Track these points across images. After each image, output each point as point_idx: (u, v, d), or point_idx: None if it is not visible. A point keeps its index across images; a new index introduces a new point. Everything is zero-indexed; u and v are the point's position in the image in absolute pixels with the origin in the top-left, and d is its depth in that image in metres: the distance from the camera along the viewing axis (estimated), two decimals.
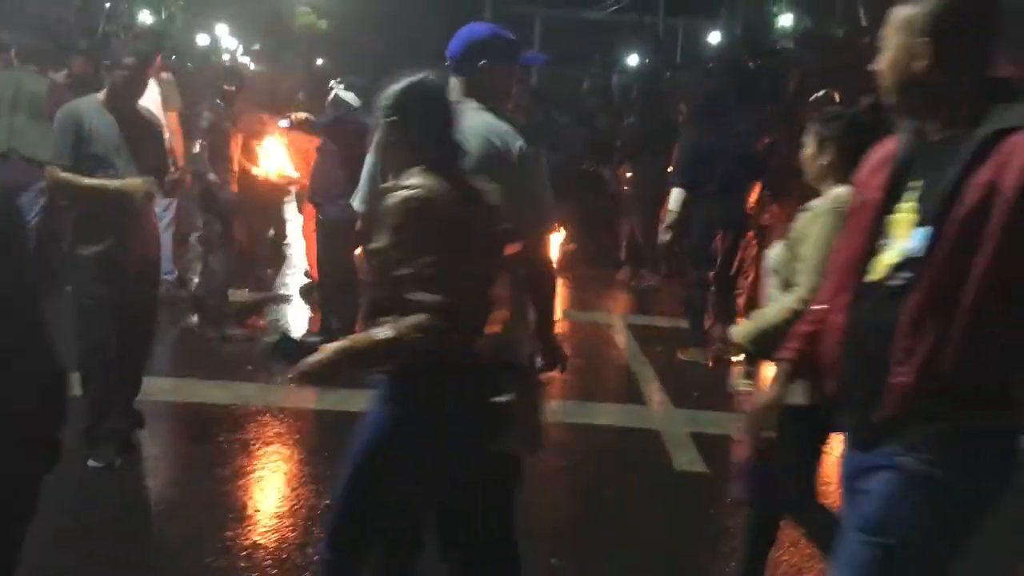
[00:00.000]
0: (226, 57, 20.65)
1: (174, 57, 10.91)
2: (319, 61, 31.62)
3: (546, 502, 4.28)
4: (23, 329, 2.02)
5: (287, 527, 3.93)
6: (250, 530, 3.88)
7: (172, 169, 4.69)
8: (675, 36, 27.69)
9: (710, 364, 6.37)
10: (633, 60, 24.67)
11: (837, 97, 10.40)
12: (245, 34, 23.09)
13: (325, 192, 6.16)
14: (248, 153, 7.06)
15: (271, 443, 4.81)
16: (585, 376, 6.35)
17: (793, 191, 7.50)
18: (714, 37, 24.05)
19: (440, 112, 2.68)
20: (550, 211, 3.09)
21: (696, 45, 25.99)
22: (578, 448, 5.05)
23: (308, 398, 5.39)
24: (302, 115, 7.30)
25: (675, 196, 6.64)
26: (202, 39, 20.73)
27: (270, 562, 3.64)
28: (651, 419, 5.58)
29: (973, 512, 2.14)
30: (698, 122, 7.14)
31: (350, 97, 6.32)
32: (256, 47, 21.10)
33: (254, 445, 4.76)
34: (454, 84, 3.12)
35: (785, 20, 20.50)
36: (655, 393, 6.07)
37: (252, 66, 19.37)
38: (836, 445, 2.85)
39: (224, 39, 23.13)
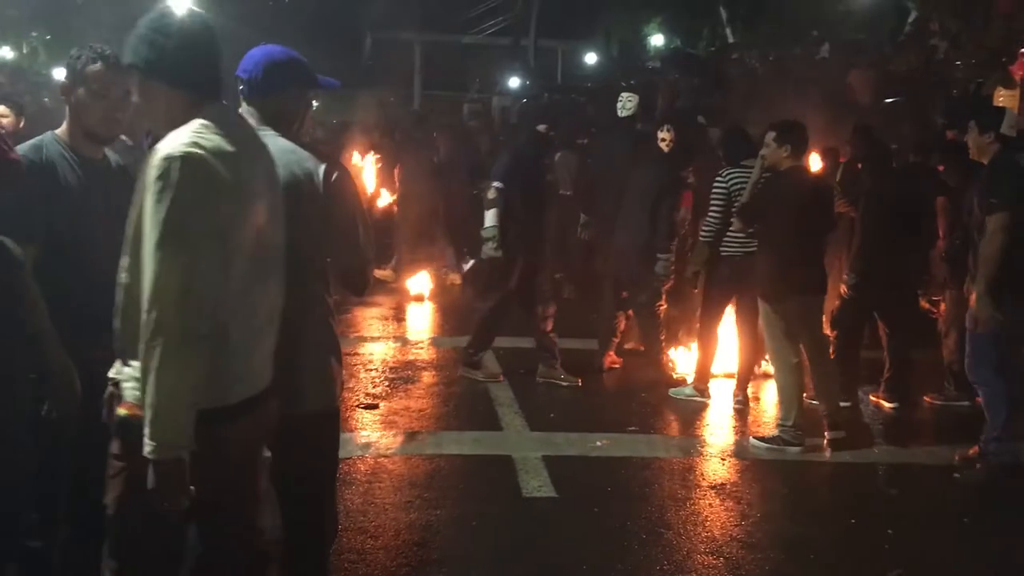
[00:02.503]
0: None
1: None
2: None
3: (388, 538, 4.13)
4: None
5: None
6: None
7: None
8: (555, 58, 28.03)
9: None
10: (514, 83, 24.86)
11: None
12: None
13: None
14: None
15: None
16: (441, 403, 6.24)
17: None
18: (591, 58, 24.41)
19: None
20: (357, 238, 2.97)
21: (575, 67, 26.36)
22: (421, 479, 4.88)
23: None
24: None
25: None
26: (60, 72, 19.92)
27: None
28: (504, 444, 5.47)
29: None
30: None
31: None
32: None
33: None
34: (245, 110, 2.99)
35: (657, 40, 20.97)
36: (511, 417, 5.98)
37: None
38: None
39: None
